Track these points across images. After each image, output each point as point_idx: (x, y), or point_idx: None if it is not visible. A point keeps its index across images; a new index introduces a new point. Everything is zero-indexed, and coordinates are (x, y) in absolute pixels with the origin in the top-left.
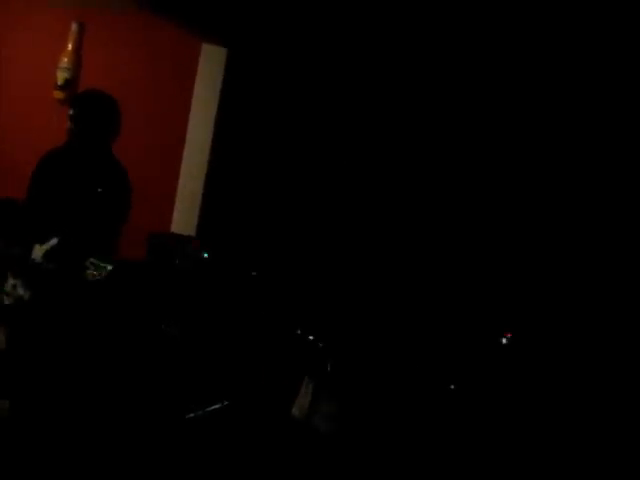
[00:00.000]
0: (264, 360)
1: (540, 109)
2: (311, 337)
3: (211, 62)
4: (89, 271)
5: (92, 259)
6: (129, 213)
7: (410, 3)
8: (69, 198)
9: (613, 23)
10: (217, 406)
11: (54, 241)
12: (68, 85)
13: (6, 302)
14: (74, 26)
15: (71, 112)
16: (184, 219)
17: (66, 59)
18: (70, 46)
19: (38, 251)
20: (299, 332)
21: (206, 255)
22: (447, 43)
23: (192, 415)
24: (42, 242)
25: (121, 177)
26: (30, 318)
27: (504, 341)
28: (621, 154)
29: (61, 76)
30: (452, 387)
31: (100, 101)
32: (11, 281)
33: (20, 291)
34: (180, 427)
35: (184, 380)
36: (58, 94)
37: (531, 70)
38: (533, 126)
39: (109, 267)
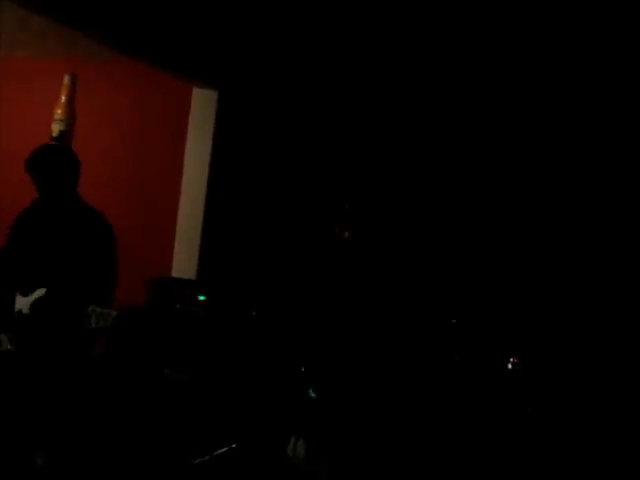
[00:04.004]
0: (266, 399)
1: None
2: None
3: (203, 105)
4: (92, 319)
5: (94, 307)
6: (114, 255)
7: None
8: (46, 250)
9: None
10: (224, 449)
11: (40, 292)
12: (63, 136)
13: None
14: (66, 78)
15: (29, 173)
16: (184, 264)
17: (60, 111)
18: (63, 98)
19: (24, 302)
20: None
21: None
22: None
23: (200, 459)
24: (25, 293)
25: (95, 221)
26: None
27: (510, 366)
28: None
29: (56, 128)
30: (457, 413)
31: (54, 155)
32: None
33: (6, 345)
34: (188, 472)
35: (191, 424)
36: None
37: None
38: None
39: (113, 313)
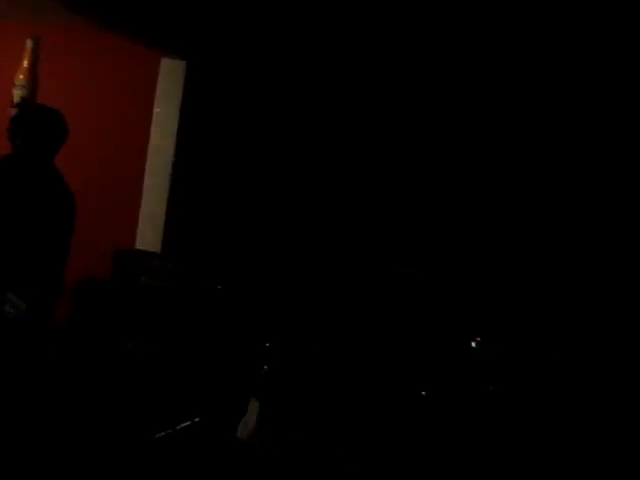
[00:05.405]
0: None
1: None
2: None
3: (170, 76)
4: (6, 308)
5: (10, 294)
6: (71, 228)
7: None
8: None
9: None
10: (187, 423)
11: None
12: (24, 103)
13: None
14: (29, 43)
15: (11, 128)
16: (148, 236)
17: (22, 76)
18: (26, 63)
19: None
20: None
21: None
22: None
23: (163, 433)
24: None
25: (59, 192)
26: None
27: (473, 345)
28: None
29: (17, 94)
30: (423, 393)
31: (40, 115)
32: None
33: None
34: (151, 445)
35: (154, 398)
36: (15, 112)
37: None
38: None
39: (23, 306)
